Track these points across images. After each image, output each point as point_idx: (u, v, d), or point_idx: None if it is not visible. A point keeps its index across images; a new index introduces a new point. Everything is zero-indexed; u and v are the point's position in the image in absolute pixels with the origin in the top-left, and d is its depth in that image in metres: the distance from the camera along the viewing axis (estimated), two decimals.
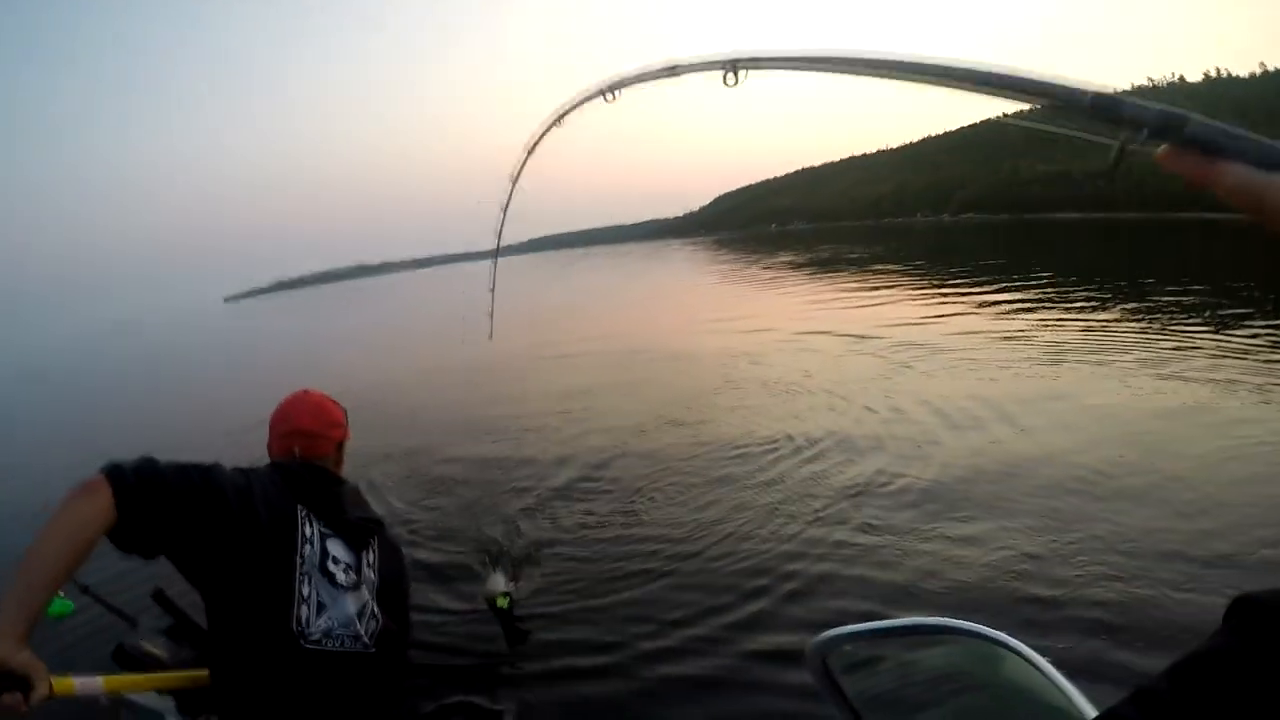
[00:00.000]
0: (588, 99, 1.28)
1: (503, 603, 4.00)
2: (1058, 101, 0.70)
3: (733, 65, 0.95)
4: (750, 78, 0.96)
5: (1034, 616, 4.15)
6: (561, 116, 1.39)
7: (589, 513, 6.70)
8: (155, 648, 2.18)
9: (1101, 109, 0.66)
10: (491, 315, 3.19)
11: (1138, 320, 13.17)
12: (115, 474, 1.57)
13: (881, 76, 0.80)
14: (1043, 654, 1.25)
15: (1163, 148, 0.64)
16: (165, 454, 1.80)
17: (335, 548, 1.93)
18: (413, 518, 7.08)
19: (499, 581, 4.18)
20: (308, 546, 1.85)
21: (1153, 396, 8.17)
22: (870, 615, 4.27)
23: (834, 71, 0.85)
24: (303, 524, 1.87)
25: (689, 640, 4.37)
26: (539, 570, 5.47)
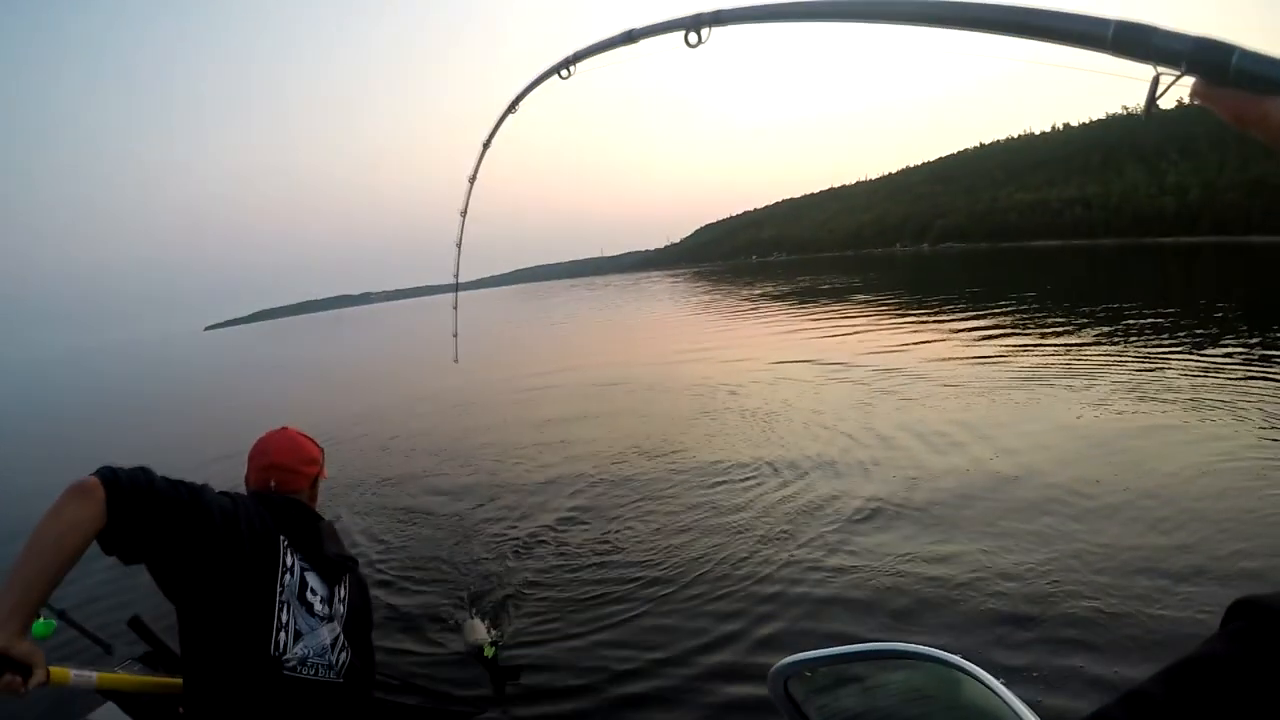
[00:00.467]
0: (543, 79, 1.24)
1: (489, 652, 3.98)
2: (1077, 38, 0.63)
3: (694, 23, 0.91)
4: (715, 36, 0.90)
5: (1008, 636, 4.17)
6: (517, 101, 1.34)
7: (565, 546, 6.66)
8: (131, 675, 2.19)
9: (1128, 41, 0.61)
10: (456, 339, 3.16)
11: (1114, 343, 13.35)
12: (109, 477, 1.59)
13: (868, 20, 0.75)
14: (1000, 677, 1.24)
15: (1198, 82, 0.57)
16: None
17: (312, 580, 1.95)
18: (387, 555, 6.99)
19: (480, 630, 4.14)
20: (288, 575, 1.87)
21: (1128, 416, 8.28)
22: (844, 639, 4.25)
23: (811, 19, 0.80)
24: (284, 553, 1.89)
25: (670, 677, 4.33)
26: (519, 611, 5.40)
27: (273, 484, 2.07)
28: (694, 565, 5.78)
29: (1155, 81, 0.59)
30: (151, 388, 37.22)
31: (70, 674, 1.88)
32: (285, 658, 1.80)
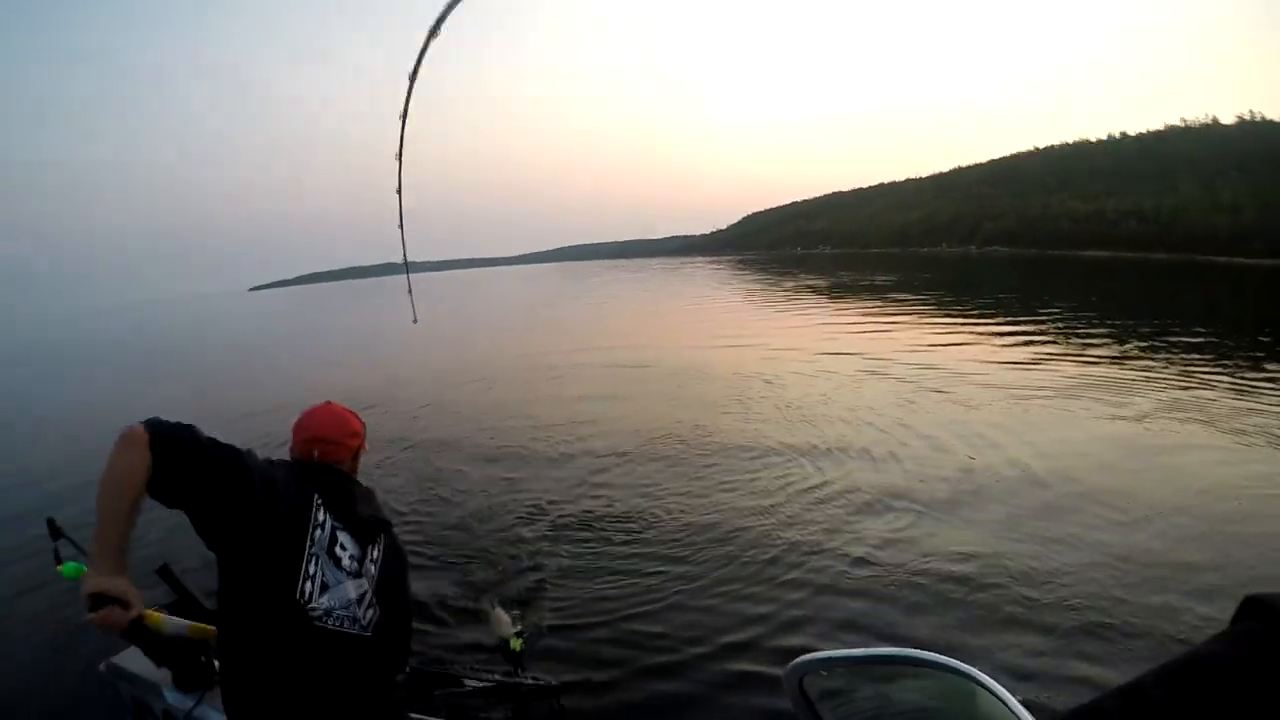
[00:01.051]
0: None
1: (516, 645, 3.98)
2: None
3: None
4: None
5: (1027, 643, 4.19)
6: (439, 25, 1.26)
7: (590, 530, 6.65)
8: (185, 620, 2.34)
9: None
10: (411, 299, 3.11)
11: (1157, 359, 13.26)
12: (154, 426, 1.74)
13: None
14: (1015, 692, 1.26)
15: None
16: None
17: (343, 537, 2.04)
18: (413, 531, 6.99)
19: (505, 622, 4.12)
20: (319, 530, 1.98)
21: (1165, 433, 8.25)
22: (864, 637, 4.42)
23: None
24: (316, 510, 2.01)
25: (690, 669, 4.37)
26: (543, 596, 5.43)
27: (316, 454, 2.17)
28: (720, 555, 5.80)
29: None
30: (185, 346, 38.43)
31: (162, 618, 2.17)
32: (310, 606, 1.90)
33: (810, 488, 7.12)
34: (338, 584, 1.98)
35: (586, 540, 6.40)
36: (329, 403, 2.34)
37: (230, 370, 24.56)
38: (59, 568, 2.66)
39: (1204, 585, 4.73)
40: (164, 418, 1.80)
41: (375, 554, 2.15)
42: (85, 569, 2.58)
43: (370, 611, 2.06)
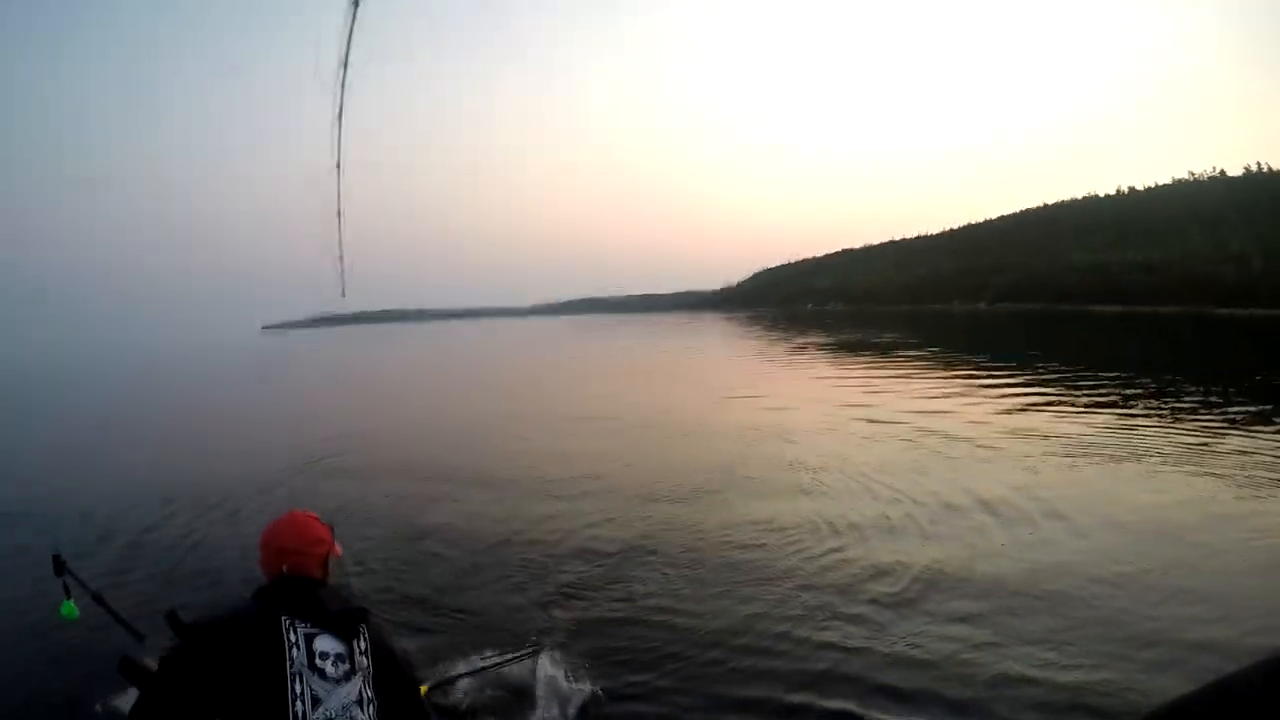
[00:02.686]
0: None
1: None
2: None
3: None
4: None
5: None
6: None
7: (588, 597, 6.64)
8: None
9: None
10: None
11: (1170, 415, 13.24)
12: None
13: None
14: None
15: None
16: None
17: (324, 643, 2.09)
18: (425, 599, 6.88)
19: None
20: (295, 650, 2.03)
21: (1182, 492, 8.35)
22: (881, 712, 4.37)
23: None
24: (287, 632, 2.05)
25: None
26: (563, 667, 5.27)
27: (285, 568, 2.21)
28: (729, 632, 5.70)
29: None
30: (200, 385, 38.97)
31: None
32: None
33: (826, 561, 7.00)
34: (329, 694, 2.02)
35: (584, 607, 6.37)
36: (292, 512, 2.37)
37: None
38: (61, 605, 2.88)
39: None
40: (138, 708, 1.99)
41: (363, 644, 2.19)
42: (76, 612, 2.90)
43: (371, 708, 2.10)
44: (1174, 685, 4.14)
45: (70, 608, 2.94)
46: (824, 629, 5.53)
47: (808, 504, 8.77)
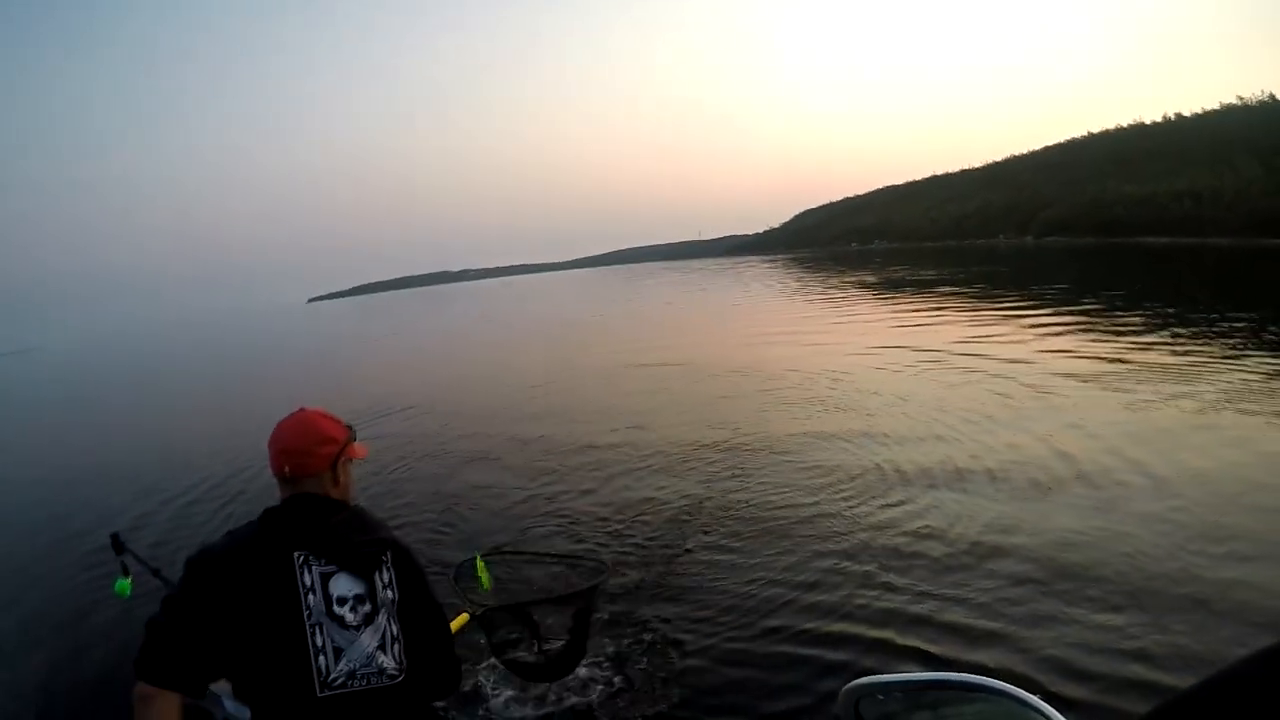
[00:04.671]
0: None
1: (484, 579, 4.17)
2: None
3: None
4: None
5: (1110, 686, 4.13)
6: None
7: (638, 538, 6.88)
8: None
9: None
10: None
11: (1234, 352, 12.94)
12: (145, 673, 1.77)
13: None
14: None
15: None
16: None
17: (341, 584, 1.94)
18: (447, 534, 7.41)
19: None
20: (310, 595, 1.88)
21: (1249, 434, 8.25)
22: (926, 661, 4.44)
23: None
24: (301, 573, 1.89)
25: (743, 685, 4.54)
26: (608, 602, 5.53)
27: (287, 470, 2.03)
28: (782, 564, 5.99)
29: None
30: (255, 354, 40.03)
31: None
32: (332, 679, 1.87)
33: (880, 501, 7.13)
34: (351, 644, 1.90)
35: (637, 545, 6.65)
36: (301, 409, 2.17)
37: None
38: (118, 582, 2.89)
39: None
40: (140, 653, 1.80)
41: (386, 577, 2.01)
42: (129, 589, 2.84)
43: (396, 647, 1.98)
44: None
45: (124, 585, 2.86)
46: (885, 571, 5.72)
47: (863, 446, 8.94)
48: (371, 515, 2.11)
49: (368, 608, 1.95)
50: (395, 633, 1.98)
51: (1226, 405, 9.36)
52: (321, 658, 1.86)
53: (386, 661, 1.94)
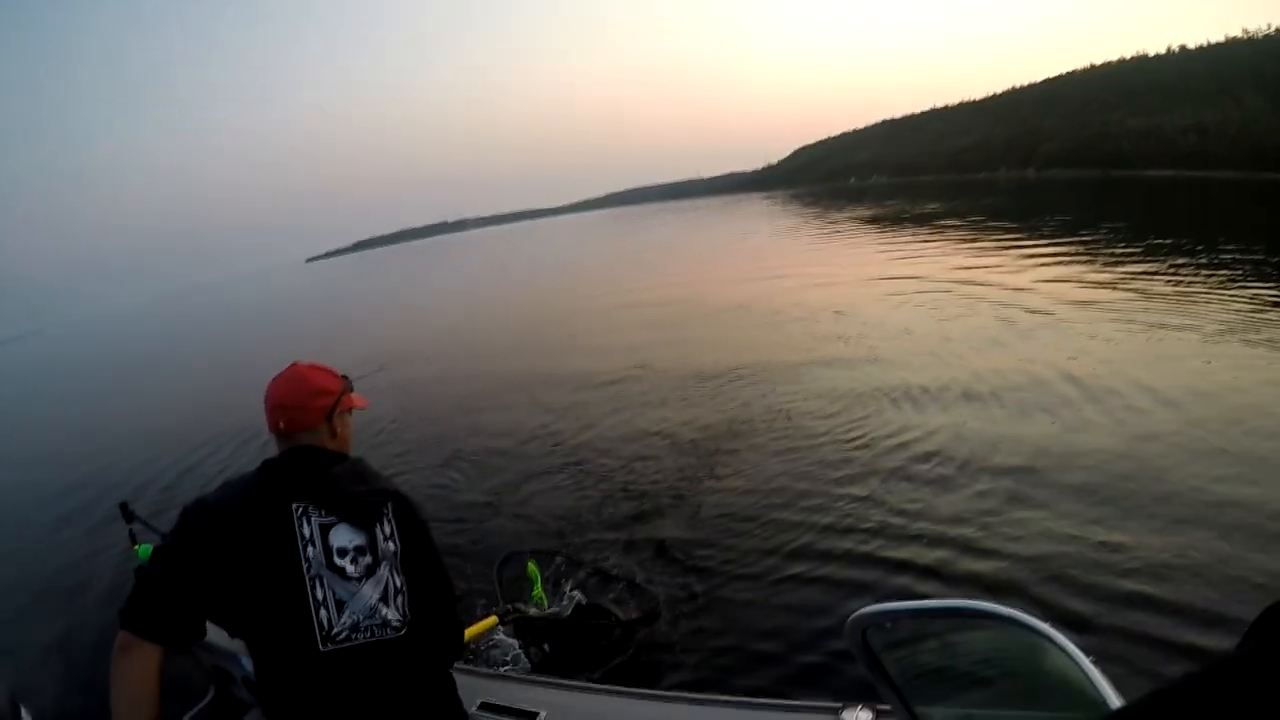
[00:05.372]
0: None
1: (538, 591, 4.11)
2: None
3: None
4: None
5: (1109, 614, 4.15)
6: None
7: (660, 471, 6.95)
8: None
9: None
10: None
11: (1230, 284, 12.84)
12: (129, 622, 1.70)
13: None
14: (1085, 651, 1.26)
15: None
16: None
17: (341, 535, 1.88)
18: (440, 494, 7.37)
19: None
20: (310, 547, 1.83)
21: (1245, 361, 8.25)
22: (931, 592, 4.48)
23: None
24: (300, 524, 1.84)
25: (752, 615, 4.60)
26: (598, 553, 5.59)
27: (282, 425, 1.98)
28: (788, 496, 6.05)
29: None
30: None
31: None
32: (335, 632, 1.82)
33: (886, 433, 7.15)
34: (353, 596, 1.85)
35: (659, 480, 6.66)
36: (294, 364, 2.11)
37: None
38: (135, 548, 2.84)
39: None
40: (125, 602, 1.72)
41: (387, 529, 1.95)
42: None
43: (400, 599, 1.92)
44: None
45: (145, 549, 2.81)
46: (891, 490, 5.84)
47: (870, 375, 9.03)
48: (371, 466, 2.04)
49: (368, 559, 1.89)
50: (399, 584, 1.93)
51: (1229, 335, 9.35)
52: (323, 610, 1.80)
53: (390, 613, 1.89)
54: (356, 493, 1.90)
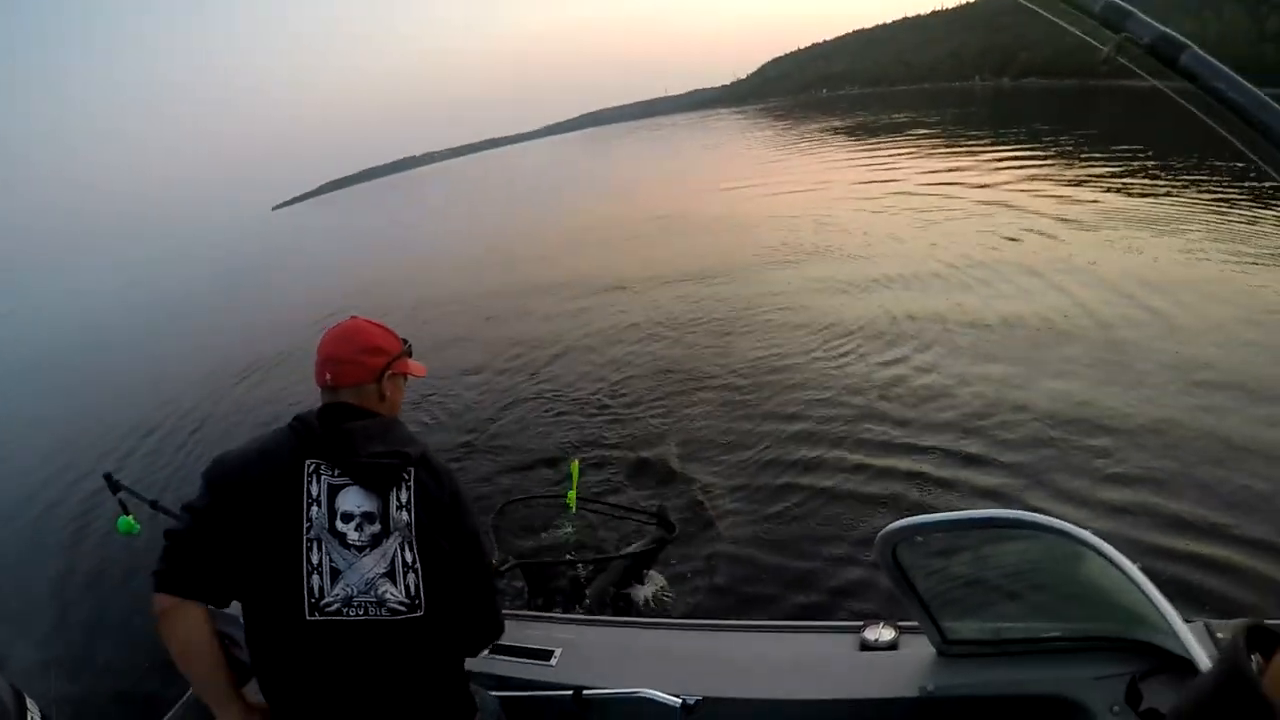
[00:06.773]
0: None
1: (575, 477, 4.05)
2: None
3: None
4: None
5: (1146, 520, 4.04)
6: None
7: (653, 391, 6.78)
8: None
9: (1110, 12, 0.72)
10: None
11: (1204, 192, 12.85)
12: (165, 584, 1.64)
13: None
14: (1130, 557, 1.21)
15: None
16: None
17: (350, 499, 1.70)
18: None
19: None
20: (315, 507, 1.68)
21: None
22: (955, 503, 4.31)
23: None
24: (309, 482, 1.69)
25: (777, 533, 4.44)
26: (635, 469, 5.52)
27: (329, 377, 1.84)
28: (800, 413, 5.85)
29: (1115, 48, 0.70)
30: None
31: None
32: (325, 602, 1.65)
33: (884, 333, 7.19)
34: (350, 566, 1.67)
35: (676, 402, 6.46)
36: (353, 318, 1.97)
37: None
38: (118, 524, 2.79)
39: None
40: (158, 563, 1.65)
41: (403, 497, 1.74)
42: (136, 525, 2.78)
43: (410, 577, 1.71)
44: None
45: (128, 522, 2.75)
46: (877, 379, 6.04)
47: (859, 289, 8.82)
48: (405, 429, 1.85)
49: (376, 528, 1.70)
50: (409, 561, 1.71)
51: (1212, 244, 9.34)
52: (315, 576, 1.65)
53: (391, 592, 1.68)
54: (372, 453, 1.72)
